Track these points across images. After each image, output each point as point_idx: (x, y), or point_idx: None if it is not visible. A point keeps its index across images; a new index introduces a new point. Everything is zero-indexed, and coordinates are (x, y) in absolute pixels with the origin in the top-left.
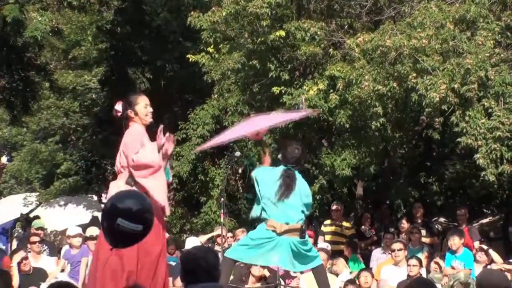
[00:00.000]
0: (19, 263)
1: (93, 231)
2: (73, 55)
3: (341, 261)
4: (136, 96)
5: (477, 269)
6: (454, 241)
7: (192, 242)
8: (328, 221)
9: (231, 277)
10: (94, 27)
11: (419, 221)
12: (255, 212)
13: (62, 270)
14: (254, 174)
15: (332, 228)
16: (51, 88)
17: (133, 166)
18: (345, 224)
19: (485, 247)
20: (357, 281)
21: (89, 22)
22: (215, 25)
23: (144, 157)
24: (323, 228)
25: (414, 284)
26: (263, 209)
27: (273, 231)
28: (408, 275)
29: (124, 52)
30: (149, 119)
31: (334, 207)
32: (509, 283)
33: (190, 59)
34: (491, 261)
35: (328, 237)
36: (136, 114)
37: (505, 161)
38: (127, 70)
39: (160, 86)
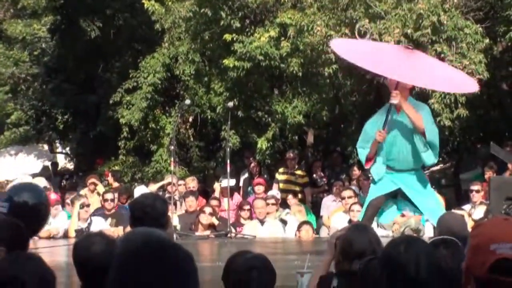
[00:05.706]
0: None
1: (40, 181)
2: (22, 5)
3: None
4: None
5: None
6: None
7: (141, 190)
8: (281, 169)
9: (179, 226)
10: None
11: None
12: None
13: None
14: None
15: (286, 177)
16: (0, 38)
17: None
18: (298, 172)
19: None
20: (297, 234)
21: None
22: None
23: None
24: (277, 176)
25: (348, 229)
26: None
27: None
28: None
29: (74, 0)
30: None
31: (289, 155)
32: (466, 229)
33: (145, 5)
34: None
35: (282, 186)
36: None
37: (459, 105)
38: (77, 18)
39: (109, 35)
